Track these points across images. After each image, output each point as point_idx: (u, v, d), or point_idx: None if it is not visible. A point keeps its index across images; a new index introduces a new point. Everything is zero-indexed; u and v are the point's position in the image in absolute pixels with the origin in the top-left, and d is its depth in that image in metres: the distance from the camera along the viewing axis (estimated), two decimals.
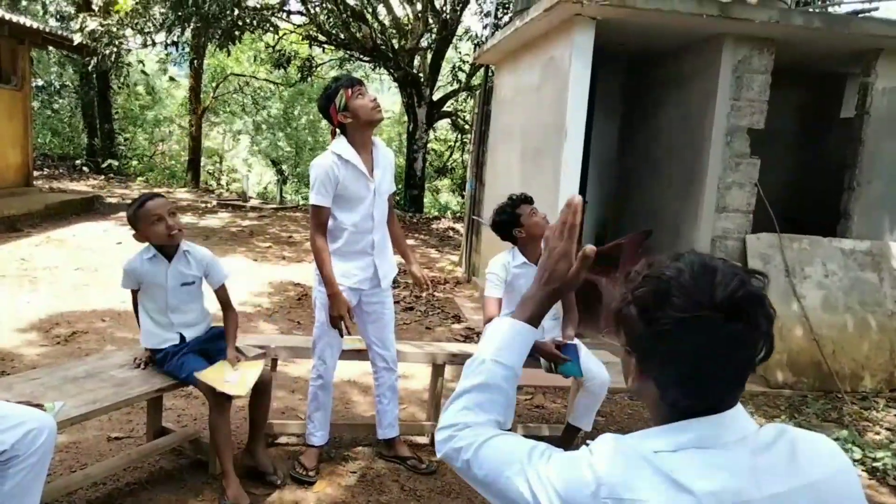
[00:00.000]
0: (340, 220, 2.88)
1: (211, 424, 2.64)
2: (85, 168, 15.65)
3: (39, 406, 2.15)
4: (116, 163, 16.63)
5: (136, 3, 9.81)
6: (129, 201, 2.79)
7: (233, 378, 2.63)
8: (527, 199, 3.19)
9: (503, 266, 3.18)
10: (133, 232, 2.68)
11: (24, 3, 16.04)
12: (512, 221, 3.16)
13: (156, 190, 14.32)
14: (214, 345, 2.80)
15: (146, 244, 2.71)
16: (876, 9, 7.22)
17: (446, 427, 1.09)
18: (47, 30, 10.41)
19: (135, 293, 2.78)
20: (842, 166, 5.26)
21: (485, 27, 13.46)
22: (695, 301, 0.89)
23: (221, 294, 2.88)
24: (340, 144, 2.84)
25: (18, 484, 1.91)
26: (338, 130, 2.86)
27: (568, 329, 3.20)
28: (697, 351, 0.89)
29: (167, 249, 2.71)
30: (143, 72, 15.96)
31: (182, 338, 2.75)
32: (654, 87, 6.06)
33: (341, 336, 2.90)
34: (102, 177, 15.09)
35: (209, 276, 2.83)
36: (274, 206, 14.10)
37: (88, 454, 2.98)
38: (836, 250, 4.86)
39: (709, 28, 4.73)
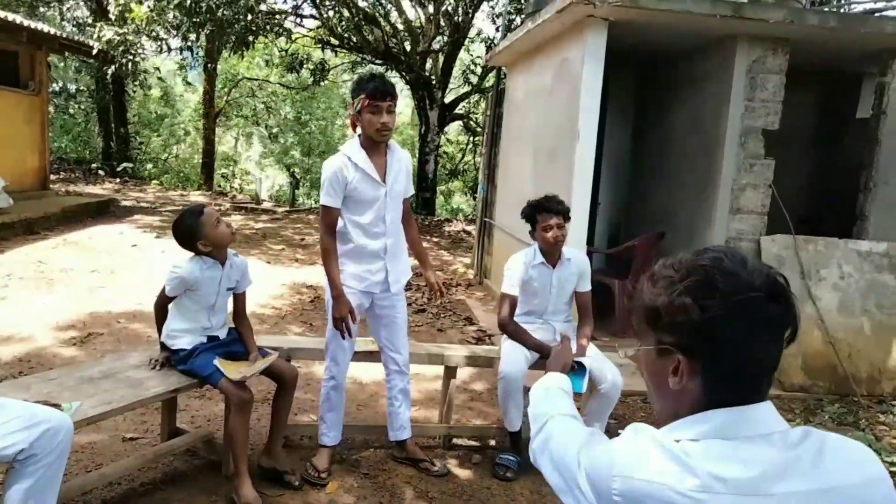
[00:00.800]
0: (351, 222, 2.88)
1: (230, 425, 2.67)
2: (101, 171, 15.83)
3: (56, 406, 2.17)
4: (132, 166, 16.81)
5: (151, 11, 9.91)
6: (173, 215, 2.87)
7: (245, 370, 2.70)
8: (549, 210, 3.12)
9: (522, 264, 3.18)
10: (199, 242, 2.72)
11: (41, 9, 16.25)
12: (529, 222, 3.18)
13: (170, 193, 14.46)
14: (234, 347, 2.86)
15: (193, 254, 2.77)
16: (893, 7, 7.14)
17: (536, 433, 1.29)
18: (64, 36, 10.53)
19: (171, 298, 2.80)
20: (858, 167, 5.20)
21: (497, 29, 13.47)
22: (741, 284, 0.92)
23: (243, 300, 2.98)
24: (353, 146, 2.84)
25: (36, 483, 1.93)
26: (357, 126, 2.85)
27: (583, 337, 3.17)
28: (746, 336, 0.92)
29: (220, 255, 2.79)
30: (159, 78, 16.13)
31: (208, 339, 2.82)
32: (666, 88, 6.03)
33: (343, 338, 2.88)
34: (118, 180, 15.25)
35: (240, 281, 2.92)
36: (286, 208, 14.18)
37: (104, 454, 3.01)
38: (852, 252, 4.80)
39: (722, 28, 4.70)
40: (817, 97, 6.37)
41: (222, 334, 2.89)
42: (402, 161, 2.94)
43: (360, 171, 2.80)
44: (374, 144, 2.83)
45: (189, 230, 2.73)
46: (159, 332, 2.88)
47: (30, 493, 1.94)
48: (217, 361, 2.68)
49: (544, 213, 3.12)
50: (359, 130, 2.85)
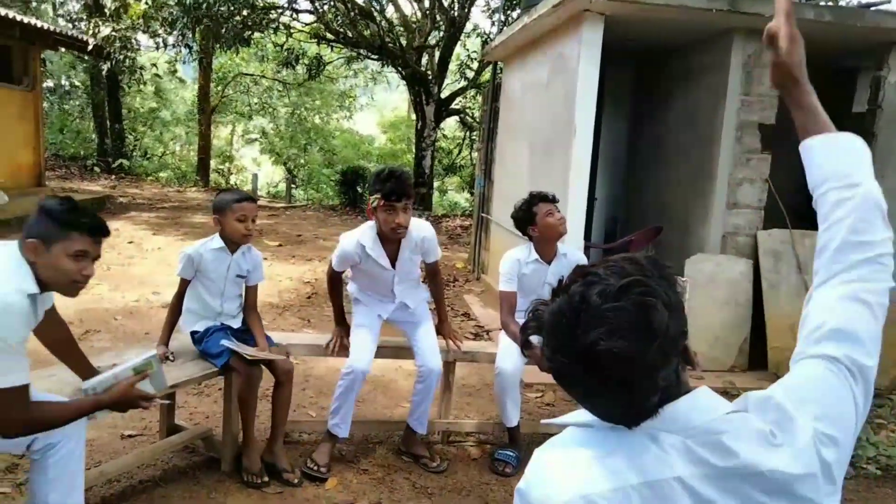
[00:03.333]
0: (362, 278, 3.14)
1: (239, 395, 2.78)
2: (96, 168, 15.76)
3: (144, 373, 2.10)
4: (127, 163, 16.73)
5: (148, 7, 9.86)
6: (218, 192, 3.05)
7: (254, 351, 2.81)
8: (545, 198, 3.17)
9: (516, 261, 3.19)
10: (215, 217, 2.86)
11: (34, 3, 16.14)
12: (526, 219, 3.16)
13: (166, 189, 14.43)
14: (247, 336, 2.95)
15: (214, 236, 2.89)
16: (888, 1, 7.13)
17: None
18: (58, 31, 10.47)
19: (185, 284, 2.88)
20: None
21: (493, 24, 13.45)
22: (556, 347, 0.88)
23: (253, 293, 3.06)
24: (369, 233, 2.96)
25: (61, 473, 1.95)
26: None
27: None
28: (581, 387, 0.90)
29: (233, 244, 2.88)
30: (156, 75, 16.03)
31: (222, 325, 2.93)
32: (662, 82, 6.03)
33: (332, 354, 3.16)
34: (113, 176, 15.19)
35: (251, 273, 2.99)
36: (283, 204, 14.16)
37: (102, 452, 3.01)
38: None
39: (718, 23, 4.70)
40: (818, 92, 6.37)
41: (235, 324, 2.97)
42: (419, 240, 3.02)
43: (371, 259, 2.96)
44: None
45: (218, 204, 2.86)
46: (167, 327, 2.91)
47: (58, 480, 1.96)
48: (228, 342, 2.78)
49: (540, 202, 3.14)
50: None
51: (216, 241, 2.88)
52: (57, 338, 2.36)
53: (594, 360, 0.83)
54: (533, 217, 3.14)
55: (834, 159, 1.12)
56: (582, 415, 0.95)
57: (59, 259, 1.84)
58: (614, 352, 0.82)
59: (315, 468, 2.91)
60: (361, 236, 2.97)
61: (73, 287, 1.93)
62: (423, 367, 3.07)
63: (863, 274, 1.01)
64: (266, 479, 2.80)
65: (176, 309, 2.92)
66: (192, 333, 2.90)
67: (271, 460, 2.89)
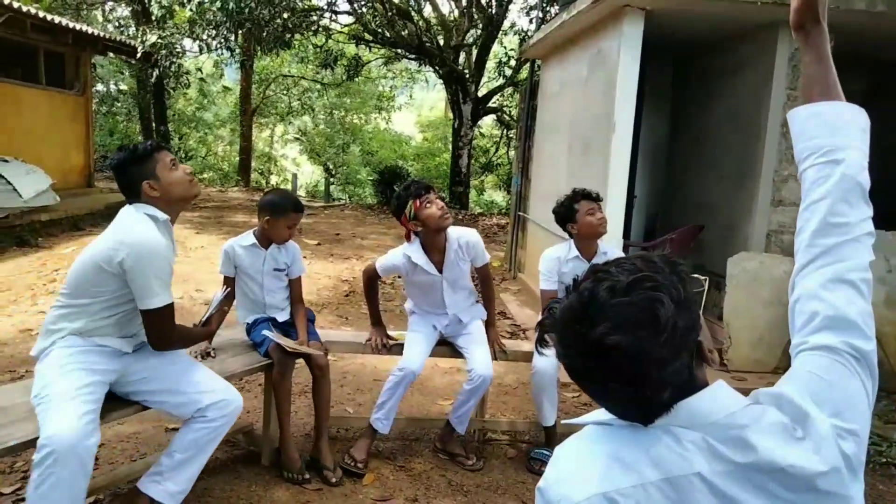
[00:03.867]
0: (415, 292, 3.22)
1: (273, 382, 2.88)
2: None
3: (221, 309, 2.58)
4: None
5: (193, 13, 10.12)
6: (271, 189, 3.08)
7: (291, 343, 2.88)
8: (588, 196, 3.15)
9: (556, 259, 3.17)
10: (264, 220, 2.92)
11: (84, 11, 16.70)
12: (567, 216, 3.14)
13: (209, 190, 14.75)
14: (291, 331, 3.04)
15: (247, 233, 3.02)
16: None
17: None
18: (108, 37, 10.81)
19: (228, 282, 2.98)
20: None
21: (531, 21, 13.37)
22: (568, 343, 0.90)
23: (296, 286, 3.14)
24: (413, 247, 3.05)
25: (200, 437, 2.28)
26: (411, 235, 3.05)
27: None
28: (593, 384, 0.91)
29: (266, 241, 2.99)
30: (201, 79, 16.41)
31: (273, 319, 3.04)
32: (704, 77, 5.90)
33: (377, 353, 3.22)
34: None
35: (291, 267, 3.08)
36: (322, 203, 14.35)
37: (148, 444, 3.10)
38: None
39: (763, 15, 4.57)
40: (864, 84, 6.15)
41: (282, 316, 3.07)
42: (462, 244, 3.08)
43: (418, 269, 3.04)
44: (435, 241, 3.03)
45: (274, 207, 2.91)
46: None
47: (192, 444, 2.28)
48: (269, 332, 2.88)
49: (583, 200, 3.12)
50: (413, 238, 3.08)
51: (249, 237, 2.99)
52: None
53: (602, 355, 0.84)
54: (574, 214, 3.11)
55: (818, 132, 1.07)
56: (601, 413, 0.95)
57: (169, 175, 2.22)
58: (621, 346, 0.82)
59: (353, 464, 2.94)
60: (406, 249, 3.06)
61: (192, 186, 2.31)
62: (474, 372, 3.05)
63: (842, 255, 1.00)
64: (307, 475, 2.83)
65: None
66: (245, 325, 3.05)
67: (317, 457, 2.93)
